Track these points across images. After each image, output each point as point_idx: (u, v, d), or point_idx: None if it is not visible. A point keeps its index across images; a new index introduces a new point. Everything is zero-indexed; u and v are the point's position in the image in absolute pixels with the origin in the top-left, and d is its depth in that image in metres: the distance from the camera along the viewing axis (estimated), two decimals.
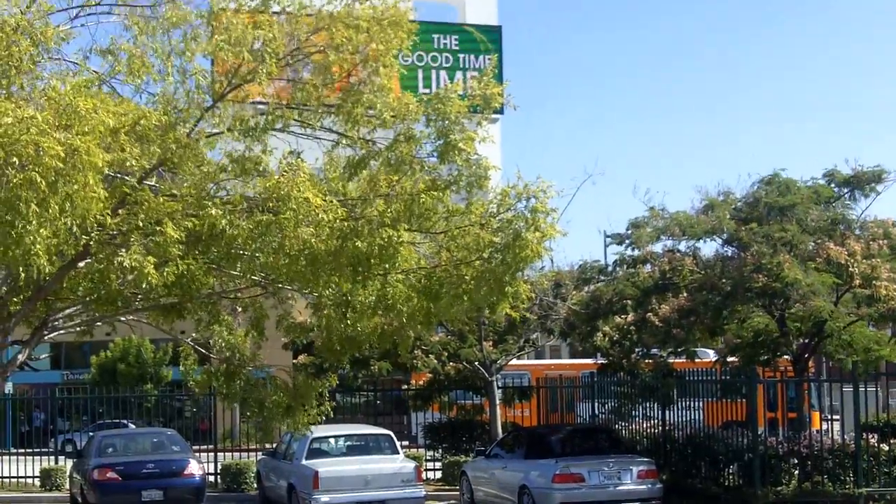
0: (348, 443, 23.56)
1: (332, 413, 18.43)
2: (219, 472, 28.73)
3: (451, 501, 25.66)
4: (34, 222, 9.82)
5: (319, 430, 22.94)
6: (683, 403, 23.80)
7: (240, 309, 16.57)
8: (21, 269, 10.48)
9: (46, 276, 11.48)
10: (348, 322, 14.11)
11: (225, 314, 15.98)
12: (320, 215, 11.83)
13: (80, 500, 23.83)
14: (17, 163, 9.88)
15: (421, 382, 31.49)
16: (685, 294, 22.59)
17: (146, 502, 22.38)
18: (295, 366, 27.57)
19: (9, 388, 32.06)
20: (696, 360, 24.36)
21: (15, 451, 32.52)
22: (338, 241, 12.28)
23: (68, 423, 39.26)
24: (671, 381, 23.82)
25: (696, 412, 23.55)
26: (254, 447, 30.60)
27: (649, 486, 20.99)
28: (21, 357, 13.82)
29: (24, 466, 30.03)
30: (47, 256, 10.20)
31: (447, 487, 27.17)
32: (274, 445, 25.29)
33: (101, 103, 11.25)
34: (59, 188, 9.97)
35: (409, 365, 28.56)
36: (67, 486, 27.09)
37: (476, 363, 28.05)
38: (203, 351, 16.65)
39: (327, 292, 13.69)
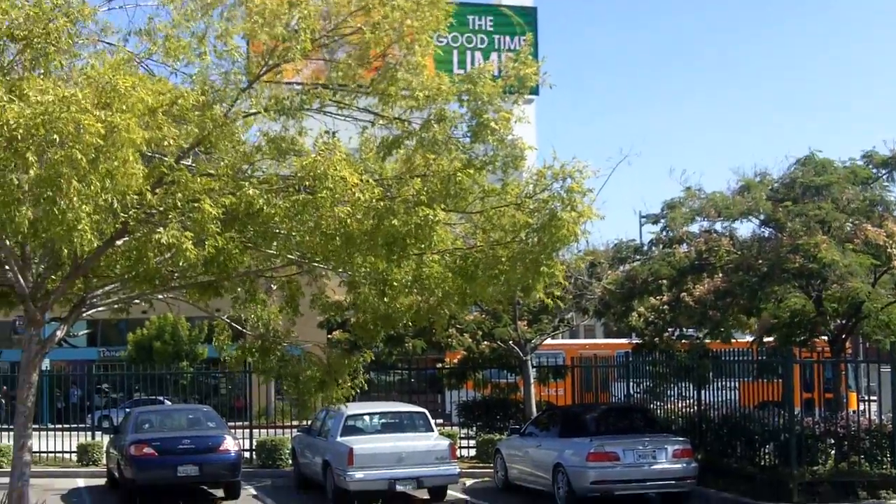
0: (383, 420, 23.64)
1: (367, 390, 18.46)
2: (254, 448, 28.90)
3: (485, 479, 25.70)
4: (75, 199, 9.86)
5: (354, 408, 23.02)
6: (719, 384, 23.72)
7: (274, 287, 16.61)
8: (64, 245, 10.52)
9: (89, 253, 11.54)
10: (385, 300, 14.13)
11: (261, 292, 16.03)
12: (357, 194, 11.83)
13: (116, 475, 24.01)
14: (57, 140, 9.93)
15: (455, 361, 31.53)
16: (721, 275, 22.50)
17: (182, 477, 22.48)
18: (329, 341, 27.65)
19: (46, 364, 32.35)
20: (732, 341, 24.29)
21: (52, 426, 32.84)
22: (373, 220, 12.27)
23: (105, 399, 39.53)
24: (707, 361, 23.74)
25: (732, 392, 23.48)
26: (288, 424, 30.76)
27: (684, 465, 20.95)
28: (59, 333, 13.92)
29: (62, 442, 30.33)
30: (91, 232, 10.24)
31: (481, 465, 27.23)
32: (308, 422, 25.41)
33: (140, 81, 11.29)
34: (99, 165, 10.02)
35: (444, 343, 28.63)
36: (104, 461, 27.33)
37: (510, 342, 28.07)
38: (238, 327, 16.72)
39: (363, 271, 13.71)
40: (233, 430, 25.20)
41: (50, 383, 38.47)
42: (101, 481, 26.27)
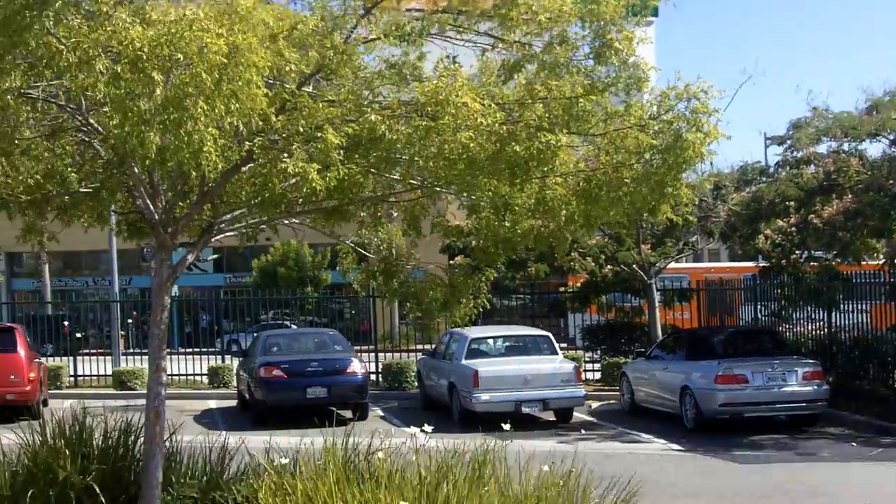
0: (507, 343, 23.79)
1: (490, 313, 18.53)
2: (380, 371, 29.31)
3: (611, 402, 25.76)
4: (202, 119, 9.91)
5: (478, 331, 23.20)
6: (849, 306, 23.35)
7: (395, 213, 16.68)
8: (191, 169, 10.61)
9: (215, 178, 11.66)
10: (506, 224, 14.08)
11: (383, 216, 16.10)
12: (479, 120, 11.75)
13: (247, 396, 24.56)
14: (181, 59, 9.97)
15: (578, 285, 31.51)
16: (851, 195, 22.04)
17: (311, 399, 22.84)
18: (451, 265, 27.82)
19: (174, 290, 33.14)
20: (862, 263, 23.90)
21: (182, 350, 33.72)
22: (496, 144, 12.20)
23: (232, 324, 40.43)
24: (837, 283, 23.34)
25: (863, 315, 23.11)
26: (413, 348, 31.14)
27: (815, 387, 20.72)
28: (190, 258, 14.16)
29: (192, 365, 31.15)
30: (216, 154, 10.30)
31: (607, 388, 27.29)
32: (433, 346, 25.64)
33: (259, 2, 11.29)
34: (223, 86, 10.04)
35: (566, 268, 28.56)
36: (234, 383, 27.98)
37: (634, 266, 27.90)
38: (361, 251, 16.86)
39: (486, 195, 13.68)
40: (358, 354, 25.58)
41: (178, 309, 39.37)
42: (232, 403, 26.93)
